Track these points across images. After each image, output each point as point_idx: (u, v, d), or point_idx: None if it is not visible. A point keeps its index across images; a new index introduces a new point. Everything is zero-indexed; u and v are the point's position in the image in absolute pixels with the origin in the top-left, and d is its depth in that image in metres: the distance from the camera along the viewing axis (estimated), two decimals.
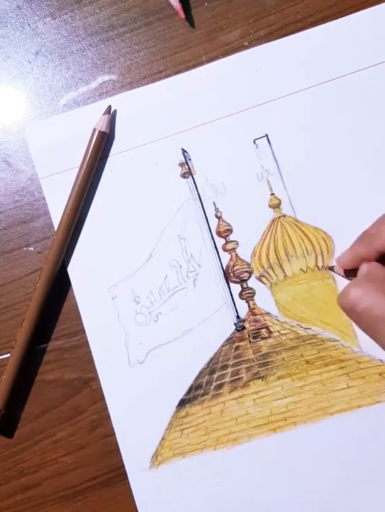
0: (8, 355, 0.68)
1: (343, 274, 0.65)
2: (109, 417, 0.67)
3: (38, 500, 0.68)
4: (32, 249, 0.70)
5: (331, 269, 0.66)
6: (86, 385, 0.68)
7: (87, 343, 0.68)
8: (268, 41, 0.69)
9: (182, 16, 0.69)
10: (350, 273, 0.64)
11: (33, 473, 0.68)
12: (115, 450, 0.66)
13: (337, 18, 0.68)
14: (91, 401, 0.68)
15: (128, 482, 0.66)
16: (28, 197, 0.70)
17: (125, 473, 0.66)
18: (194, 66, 0.70)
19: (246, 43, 0.69)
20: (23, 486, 0.68)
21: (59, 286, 0.68)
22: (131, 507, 0.66)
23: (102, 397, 0.67)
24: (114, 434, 0.67)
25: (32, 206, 0.70)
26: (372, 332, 0.58)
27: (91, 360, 0.67)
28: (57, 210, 0.68)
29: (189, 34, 0.70)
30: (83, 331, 0.68)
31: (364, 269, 0.61)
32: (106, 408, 0.67)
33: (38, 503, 0.68)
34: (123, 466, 0.66)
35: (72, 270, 0.68)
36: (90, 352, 0.67)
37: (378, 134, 0.67)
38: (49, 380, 0.69)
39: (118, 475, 0.67)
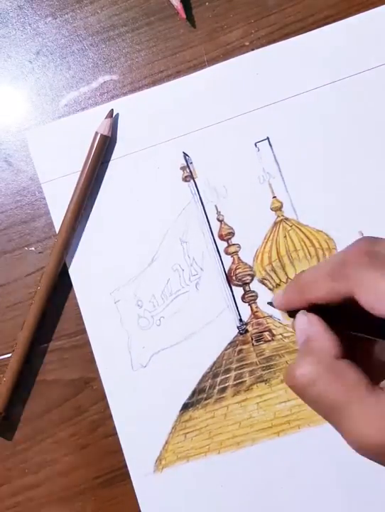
0: (9, 355, 0.68)
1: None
2: (110, 417, 0.67)
3: (39, 501, 0.68)
4: (33, 249, 0.70)
5: (270, 304, 0.63)
6: (87, 385, 0.68)
7: (88, 343, 0.68)
8: (269, 41, 0.69)
9: (183, 15, 0.69)
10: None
11: (34, 473, 0.68)
12: (116, 450, 0.67)
13: (338, 17, 0.68)
14: (92, 401, 0.68)
15: (130, 482, 0.66)
16: (29, 197, 0.70)
17: (126, 474, 0.66)
18: (195, 66, 0.70)
19: (247, 43, 0.69)
20: (24, 486, 0.68)
21: (60, 287, 0.68)
22: (132, 507, 0.66)
23: (103, 397, 0.67)
24: (115, 434, 0.67)
25: (33, 206, 0.70)
26: (327, 417, 0.47)
27: (92, 360, 0.67)
28: (58, 213, 0.68)
29: (190, 34, 0.70)
30: (84, 331, 0.68)
31: (302, 324, 0.50)
32: (108, 408, 0.67)
33: (39, 503, 0.68)
34: (124, 466, 0.66)
35: (74, 275, 0.68)
36: (91, 352, 0.68)
37: (379, 136, 0.67)
38: (50, 380, 0.69)
39: (119, 475, 0.67)
